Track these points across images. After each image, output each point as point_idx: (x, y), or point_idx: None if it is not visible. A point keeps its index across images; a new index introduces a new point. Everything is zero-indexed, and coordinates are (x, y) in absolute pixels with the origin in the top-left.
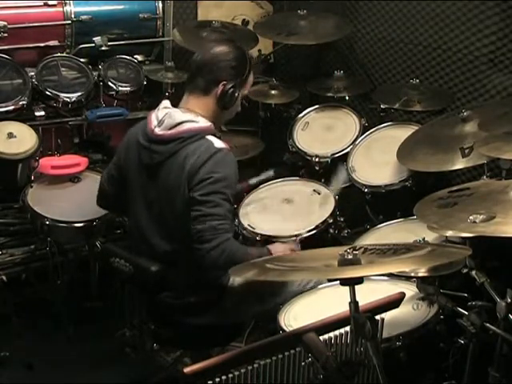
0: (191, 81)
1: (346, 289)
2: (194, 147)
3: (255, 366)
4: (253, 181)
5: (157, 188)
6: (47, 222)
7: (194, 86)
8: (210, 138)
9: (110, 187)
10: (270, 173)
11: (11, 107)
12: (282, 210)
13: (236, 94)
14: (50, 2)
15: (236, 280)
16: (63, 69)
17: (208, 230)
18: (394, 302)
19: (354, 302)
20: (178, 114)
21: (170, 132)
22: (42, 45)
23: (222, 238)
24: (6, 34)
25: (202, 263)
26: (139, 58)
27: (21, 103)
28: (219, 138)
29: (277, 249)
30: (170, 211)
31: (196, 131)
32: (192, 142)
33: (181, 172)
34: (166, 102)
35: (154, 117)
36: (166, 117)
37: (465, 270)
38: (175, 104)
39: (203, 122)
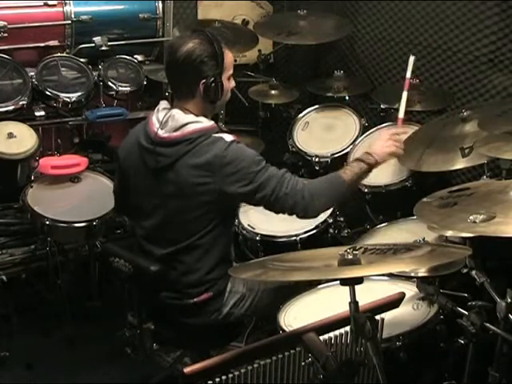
0: (173, 90)
1: (346, 289)
2: (205, 146)
3: (255, 365)
4: None
5: (164, 191)
6: (47, 222)
7: (179, 94)
8: (217, 134)
9: (121, 195)
10: None
11: (11, 107)
12: None
13: (219, 84)
14: (50, 2)
15: (236, 280)
16: (63, 69)
17: (286, 201)
18: (394, 302)
19: (354, 302)
20: (181, 116)
21: (175, 134)
22: (42, 45)
23: (299, 191)
24: (6, 34)
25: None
26: (139, 57)
27: (21, 103)
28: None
29: (377, 149)
30: (178, 212)
31: (202, 131)
32: (201, 141)
33: (195, 172)
34: (164, 103)
35: (155, 119)
36: (168, 118)
37: (465, 270)
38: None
39: (206, 122)
